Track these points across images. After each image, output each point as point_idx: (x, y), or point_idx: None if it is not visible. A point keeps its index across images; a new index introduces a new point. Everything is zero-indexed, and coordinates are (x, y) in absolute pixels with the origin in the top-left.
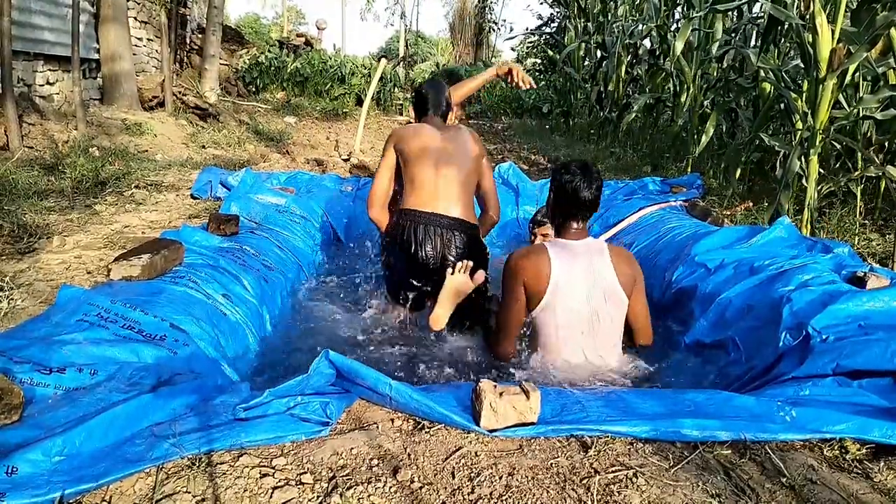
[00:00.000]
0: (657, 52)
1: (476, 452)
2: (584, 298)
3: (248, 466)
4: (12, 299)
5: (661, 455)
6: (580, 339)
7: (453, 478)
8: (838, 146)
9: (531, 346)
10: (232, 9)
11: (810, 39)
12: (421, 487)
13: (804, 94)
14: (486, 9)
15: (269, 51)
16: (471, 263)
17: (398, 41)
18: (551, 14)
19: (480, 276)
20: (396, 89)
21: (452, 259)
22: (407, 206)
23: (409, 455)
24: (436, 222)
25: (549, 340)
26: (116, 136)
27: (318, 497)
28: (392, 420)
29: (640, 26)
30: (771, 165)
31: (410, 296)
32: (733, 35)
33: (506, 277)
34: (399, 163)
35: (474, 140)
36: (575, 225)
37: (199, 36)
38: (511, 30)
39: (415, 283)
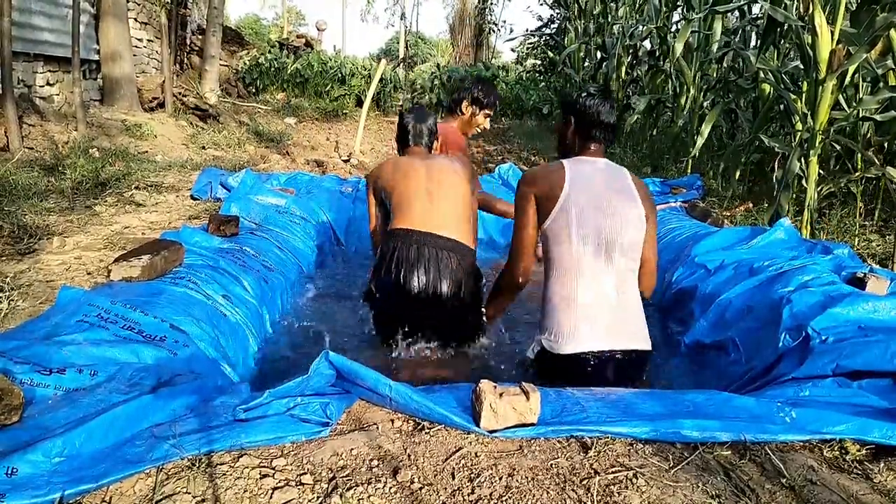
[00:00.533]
0: (657, 54)
1: (476, 453)
2: (603, 205)
3: (248, 467)
4: (12, 300)
5: (661, 456)
6: (596, 253)
7: (453, 478)
8: (838, 147)
9: (545, 275)
10: (232, 10)
11: (810, 41)
12: (421, 488)
13: (804, 96)
14: (486, 10)
15: (269, 52)
16: None
17: (398, 42)
18: (551, 15)
19: None
20: (396, 91)
21: (447, 291)
22: (396, 226)
23: (409, 456)
24: (431, 243)
25: (562, 250)
26: (116, 136)
27: (318, 497)
28: (392, 421)
29: (641, 27)
30: (771, 166)
31: (400, 337)
32: (733, 36)
33: (518, 192)
34: (383, 199)
35: (464, 168)
36: (594, 146)
37: (200, 37)
38: (511, 31)
39: (406, 318)
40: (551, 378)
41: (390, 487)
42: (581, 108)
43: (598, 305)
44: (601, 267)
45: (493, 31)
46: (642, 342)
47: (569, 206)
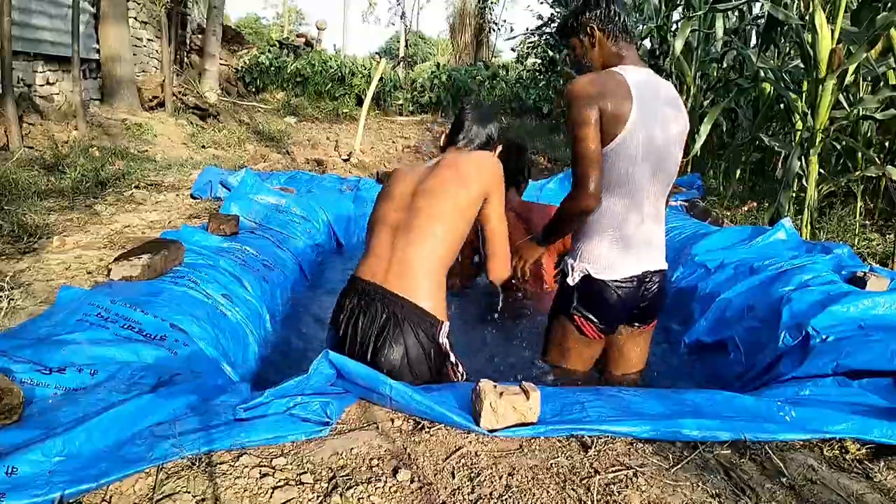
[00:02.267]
0: (657, 53)
1: (476, 452)
2: (662, 123)
3: (248, 466)
4: (12, 299)
5: (661, 455)
6: (646, 175)
7: (453, 478)
8: (838, 146)
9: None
10: (232, 9)
11: (810, 40)
12: (421, 487)
13: (804, 95)
14: (487, 9)
15: (269, 51)
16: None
17: (398, 41)
18: (551, 14)
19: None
20: (396, 90)
21: (384, 366)
22: (354, 270)
23: (409, 455)
24: (372, 296)
25: (618, 173)
26: (117, 136)
27: (318, 497)
28: (392, 420)
29: (641, 27)
30: (771, 166)
31: None
32: (733, 36)
33: (578, 105)
34: None
35: (475, 174)
36: (633, 52)
37: (199, 36)
38: (511, 30)
39: None
40: (590, 300)
41: (390, 486)
42: (606, 13)
43: (642, 229)
44: (648, 188)
45: (494, 31)
46: (664, 262)
47: (637, 130)
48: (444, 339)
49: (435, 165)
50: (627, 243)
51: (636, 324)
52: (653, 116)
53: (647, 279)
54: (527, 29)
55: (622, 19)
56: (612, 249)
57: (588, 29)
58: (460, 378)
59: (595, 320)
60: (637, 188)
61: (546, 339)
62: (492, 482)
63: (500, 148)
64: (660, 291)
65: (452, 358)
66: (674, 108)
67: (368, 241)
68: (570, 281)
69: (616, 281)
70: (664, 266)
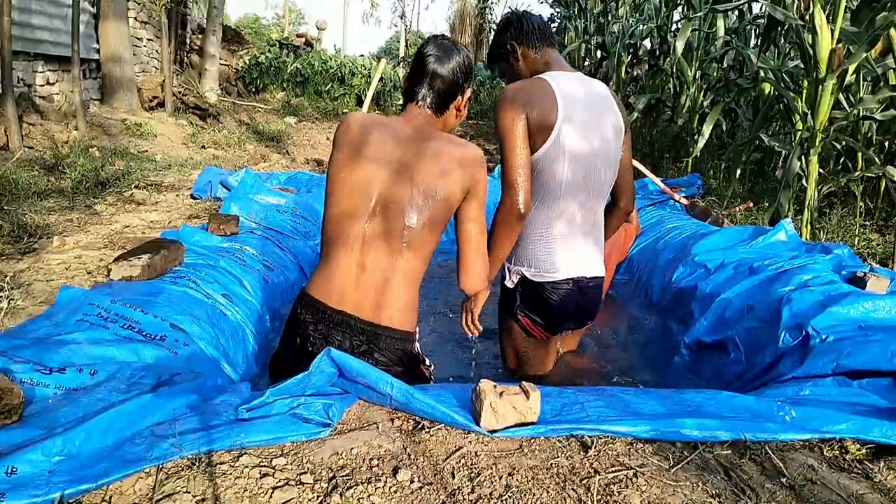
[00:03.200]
0: (657, 53)
1: (476, 452)
2: (591, 125)
3: (248, 466)
4: (12, 299)
5: (661, 455)
6: (578, 181)
7: (453, 478)
8: (838, 146)
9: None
10: (232, 9)
11: (810, 40)
12: (421, 487)
13: (804, 95)
14: (487, 9)
15: (269, 51)
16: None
17: (399, 41)
18: (552, 14)
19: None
20: (396, 90)
21: None
22: (310, 289)
23: (409, 455)
24: (344, 328)
25: (549, 180)
26: (117, 136)
27: (318, 497)
28: (392, 420)
29: (641, 27)
30: (771, 166)
31: None
32: (734, 36)
33: (503, 112)
34: (326, 190)
35: (457, 169)
36: (555, 54)
37: (199, 36)
38: None
39: None
40: (532, 301)
41: (390, 487)
42: (526, 24)
43: (576, 234)
44: (582, 195)
45: (494, 30)
46: (602, 269)
47: (563, 137)
48: (417, 347)
49: (415, 135)
50: (559, 247)
51: (571, 327)
52: (580, 121)
53: (584, 284)
54: None
55: (537, 27)
56: (541, 252)
57: (509, 46)
58: (430, 375)
59: (540, 321)
60: (566, 193)
61: (500, 346)
62: (492, 482)
63: (469, 92)
64: (596, 298)
65: (427, 361)
66: (605, 109)
67: (330, 243)
68: (509, 284)
69: (552, 283)
70: (601, 273)
